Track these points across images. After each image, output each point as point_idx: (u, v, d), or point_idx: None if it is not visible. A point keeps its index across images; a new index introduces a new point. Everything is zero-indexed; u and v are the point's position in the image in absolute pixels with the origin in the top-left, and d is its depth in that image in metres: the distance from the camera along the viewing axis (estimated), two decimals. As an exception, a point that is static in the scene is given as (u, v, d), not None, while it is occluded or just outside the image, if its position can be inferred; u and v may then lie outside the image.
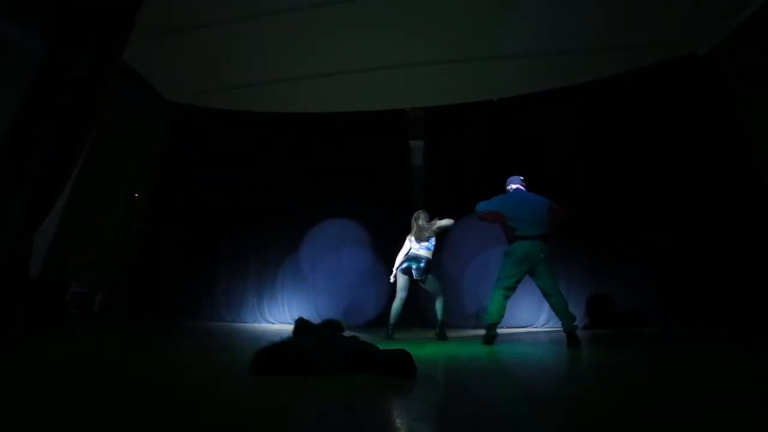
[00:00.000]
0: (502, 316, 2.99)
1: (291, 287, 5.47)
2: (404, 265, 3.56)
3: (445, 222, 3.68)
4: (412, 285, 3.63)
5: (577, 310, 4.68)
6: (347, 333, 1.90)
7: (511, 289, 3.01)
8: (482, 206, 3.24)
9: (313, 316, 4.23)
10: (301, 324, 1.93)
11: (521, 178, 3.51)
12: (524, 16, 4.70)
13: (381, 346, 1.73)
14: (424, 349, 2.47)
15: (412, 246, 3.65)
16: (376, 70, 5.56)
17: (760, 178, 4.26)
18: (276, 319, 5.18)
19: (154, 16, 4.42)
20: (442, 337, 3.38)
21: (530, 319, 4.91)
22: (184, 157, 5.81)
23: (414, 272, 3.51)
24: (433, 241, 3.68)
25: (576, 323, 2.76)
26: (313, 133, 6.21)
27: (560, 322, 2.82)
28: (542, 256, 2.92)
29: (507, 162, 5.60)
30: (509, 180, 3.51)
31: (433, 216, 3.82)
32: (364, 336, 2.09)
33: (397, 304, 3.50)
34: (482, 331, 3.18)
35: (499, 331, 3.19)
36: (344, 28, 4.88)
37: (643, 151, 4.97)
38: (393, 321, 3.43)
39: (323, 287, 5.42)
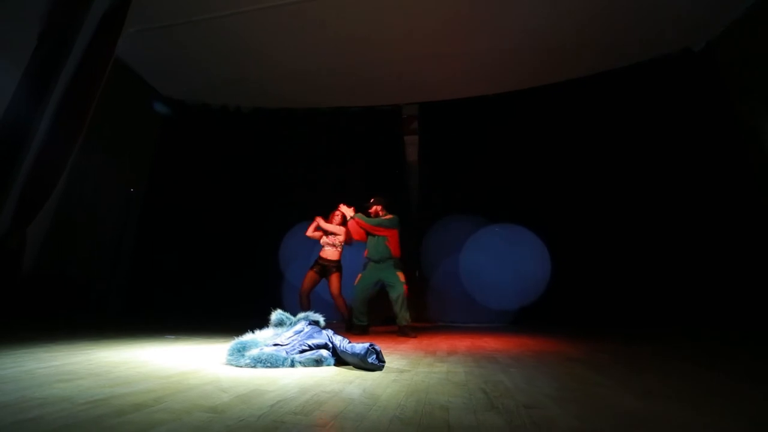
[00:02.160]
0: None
1: (286, 282, 5.52)
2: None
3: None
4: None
5: (570, 305, 4.70)
6: (323, 326, 1.93)
7: None
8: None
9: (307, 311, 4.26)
10: (278, 318, 1.96)
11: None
12: (519, 11, 4.66)
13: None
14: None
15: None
16: (370, 65, 5.54)
17: (754, 176, 4.24)
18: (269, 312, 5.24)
19: (148, 10, 4.43)
20: (351, 328, 3.54)
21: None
22: (180, 152, 5.83)
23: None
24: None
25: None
26: (308, 129, 6.23)
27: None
28: None
29: (502, 158, 5.62)
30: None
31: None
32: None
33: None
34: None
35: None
36: (338, 23, 4.87)
37: (637, 148, 4.95)
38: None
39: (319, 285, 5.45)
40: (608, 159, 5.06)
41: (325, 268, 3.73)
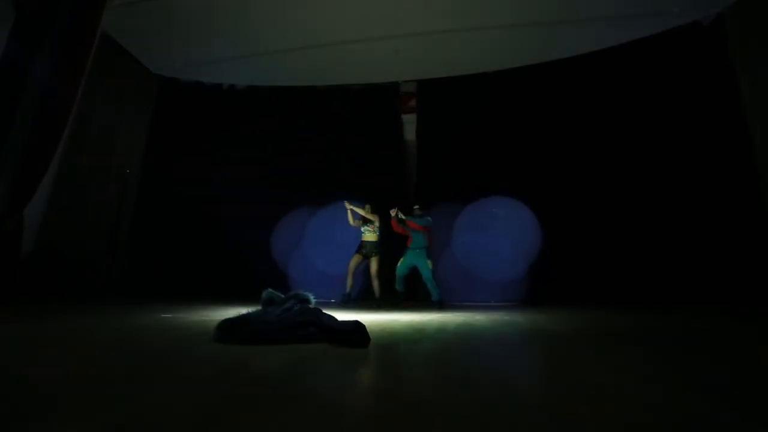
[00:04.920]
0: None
1: (283, 263, 5.58)
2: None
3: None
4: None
5: (571, 284, 4.73)
6: (313, 304, 1.96)
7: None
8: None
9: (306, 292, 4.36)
10: (268, 297, 1.99)
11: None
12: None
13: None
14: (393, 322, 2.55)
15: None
16: (367, 41, 5.39)
17: (756, 155, 4.16)
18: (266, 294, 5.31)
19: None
20: (380, 306, 4.09)
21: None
22: (174, 131, 5.77)
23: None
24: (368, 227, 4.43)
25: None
26: (304, 106, 6.12)
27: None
28: None
29: (502, 136, 5.53)
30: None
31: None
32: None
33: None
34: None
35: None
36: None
37: (641, 125, 4.85)
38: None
39: (316, 262, 5.52)
40: (611, 136, 4.97)
41: (368, 251, 4.30)
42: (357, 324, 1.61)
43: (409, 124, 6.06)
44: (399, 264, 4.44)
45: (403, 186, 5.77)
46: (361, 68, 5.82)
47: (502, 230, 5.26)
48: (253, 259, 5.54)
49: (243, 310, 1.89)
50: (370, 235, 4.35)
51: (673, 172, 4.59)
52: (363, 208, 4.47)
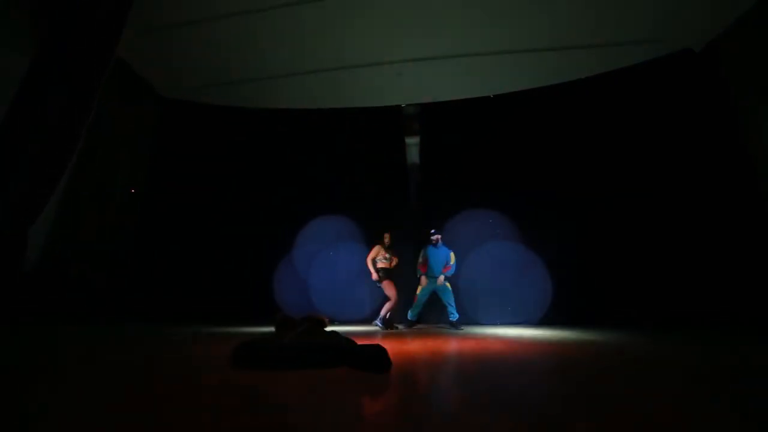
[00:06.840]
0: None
1: (286, 284, 5.50)
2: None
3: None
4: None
5: (575, 303, 4.71)
6: (328, 326, 1.92)
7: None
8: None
9: (308, 313, 4.31)
10: (282, 319, 1.95)
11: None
12: (520, 12, 4.67)
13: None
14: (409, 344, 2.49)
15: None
16: (371, 65, 5.54)
17: (753, 176, 4.25)
18: (270, 316, 5.21)
19: (149, 10, 4.42)
20: (390, 327, 4.43)
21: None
22: (179, 153, 5.81)
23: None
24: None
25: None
26: (308, 129, 6.21)
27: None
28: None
29: (503, 158, 5.61)
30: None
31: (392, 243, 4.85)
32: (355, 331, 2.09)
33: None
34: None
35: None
36: (339, 23, 4.87)
37: (636, 148, 4.96)
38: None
39: (319, 284, 5.45)
40: (611, 159, 5.06)
41: (388, 275, 4.69)
42: (378, 348, 1.57)
43: (413, 146, 6.14)
44: (419, 293, 4.70)
45: (406, 207, 5.79)
46: (365, 91, 5.96)
47: (505, 253, 5.24)
48: (259, 279, 5.47)
49: (256, 333, 1.84)
50: (383, 262, 4.70)
51: (674, 193, 4.66)
52: (383, 240, 4.76)
